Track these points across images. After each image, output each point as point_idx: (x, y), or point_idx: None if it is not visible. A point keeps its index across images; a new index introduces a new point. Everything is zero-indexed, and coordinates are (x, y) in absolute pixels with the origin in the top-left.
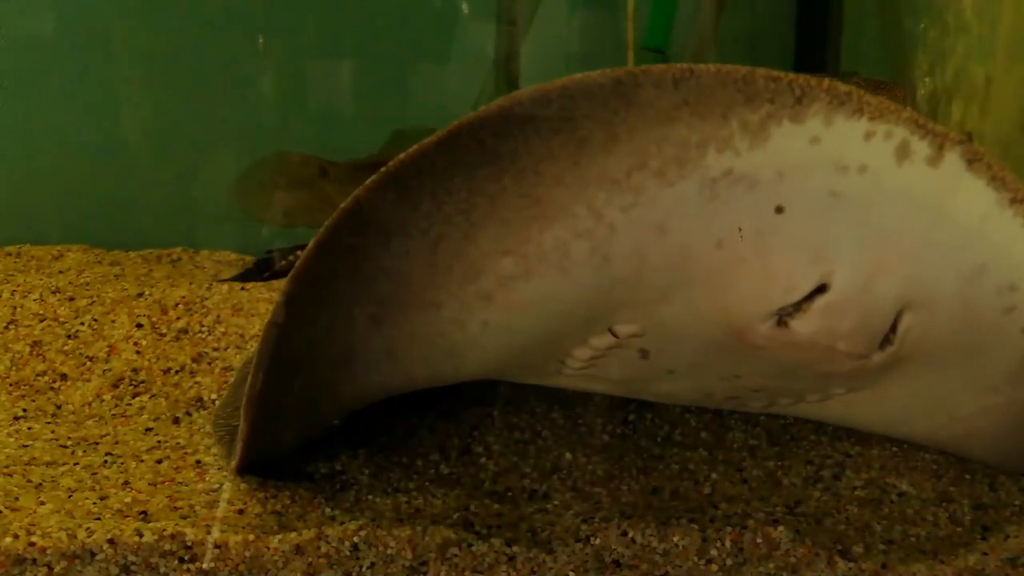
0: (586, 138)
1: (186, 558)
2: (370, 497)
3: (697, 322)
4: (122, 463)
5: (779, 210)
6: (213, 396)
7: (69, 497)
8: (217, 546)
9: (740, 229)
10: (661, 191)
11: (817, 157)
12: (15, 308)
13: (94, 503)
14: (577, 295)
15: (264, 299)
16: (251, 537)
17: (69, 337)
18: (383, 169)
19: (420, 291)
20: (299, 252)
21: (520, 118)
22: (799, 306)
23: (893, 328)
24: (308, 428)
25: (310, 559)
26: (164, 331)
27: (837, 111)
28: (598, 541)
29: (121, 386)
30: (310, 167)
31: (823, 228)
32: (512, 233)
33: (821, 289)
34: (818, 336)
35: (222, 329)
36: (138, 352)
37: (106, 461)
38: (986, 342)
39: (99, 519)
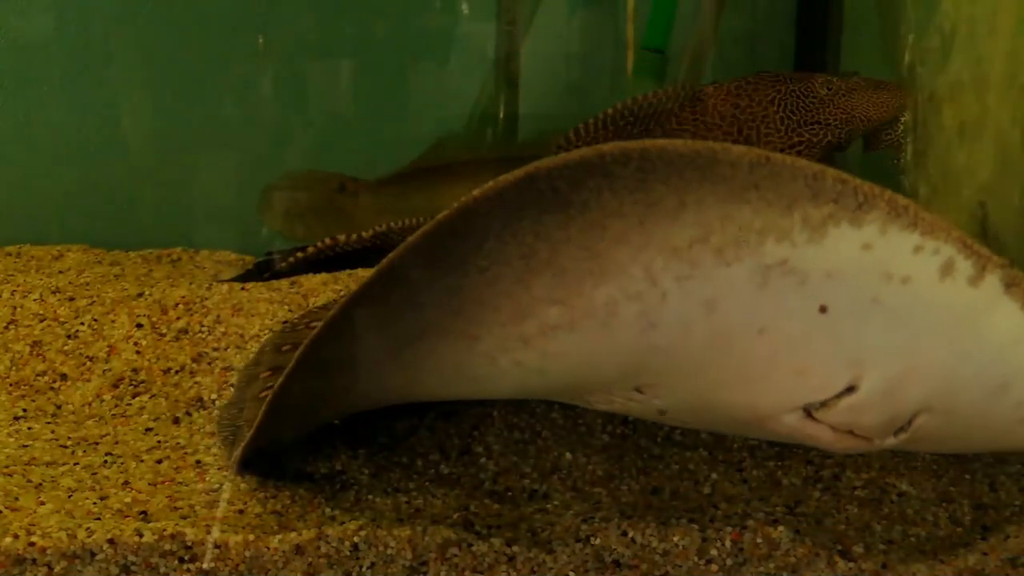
0: (656, 202)
1: (186, 558)
2: (370, 497)
3: (723, 401)
4: (122, 463)
5: (823, 309)
6: (213, 396)
7: (69, 497)
8: (217, 546)
9: (783, 321)
10: (717, 268)
11: (866, 263)
12: (15, 308)
13: (94, 503)
14: (614, 354)
15: (264, 299)
16: (251, 537)
17: (69, 337)
18: (457, 205)
19: (462, 323)
20: (299, 254)
21: (598, 171)
22: (825, 403)
23: (909, 421)
24: (307, 427)
25: (310, 559)
26: (164, 331)
27: (893, 222)
28: (598, 541)
29: (121, 386)
30: (331, 183)
31: (861, 332)
32: (566, 284)
33: (849, 389)
34: (839, 430)
35: (222, 329)
36: (138, 352)
37: (106, 461)
38: (995, 439)
39: (99, 519)
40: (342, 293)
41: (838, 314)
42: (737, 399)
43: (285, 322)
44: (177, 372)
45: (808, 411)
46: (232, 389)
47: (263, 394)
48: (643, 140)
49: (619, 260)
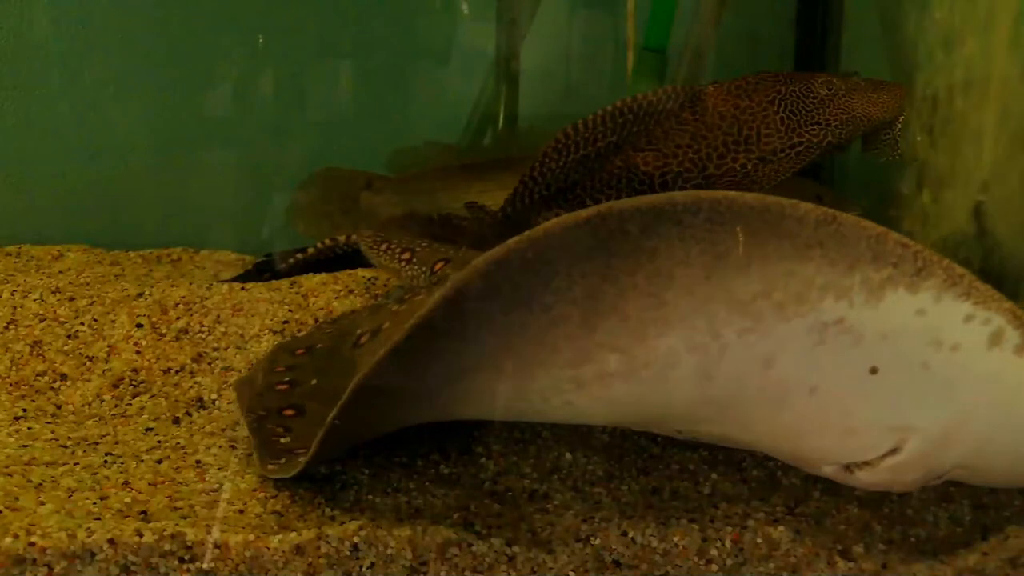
0: (723, 254)
1: (186, 558)
2: (370, 497)
3: (764, 448)
4: (122, 463)
5: (873, 371)
6: (213, 396)
7: (69, 497)
8: (217, 546)
9: (835, 380)
10: (777, 324)
11: (919, 328)
12: (15, 308)
13: (94, 503)
14: (666, 403)
15: (264, 299)
16: (251, 537)
17: (69, 337)
18: (525, 235)
19: (520, 362)
20: (299, 255)
21: (670, 218)
22: (868, 462)
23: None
24: (356, 440)
25: (310, 559)
26: (164, 331)
27: (948, 290)
28: (598, 541)
29: (121, 386)
30: (357, 181)
31: (908, 396)
32: (629, 331)
33: (892, 451)
34: (879, 486)
35: (222, 329)
36: (138, 352)
37: (106, 461)
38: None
39: (99, 519)
40: (341, 292)
41: (888, 377)
42: (779, 449)
43: (284, 321)
44: (177, 372)
45: (849, 467)
46: (232, 390)
47: (280, 387)
48: (714, 191)
49: (684, 311)
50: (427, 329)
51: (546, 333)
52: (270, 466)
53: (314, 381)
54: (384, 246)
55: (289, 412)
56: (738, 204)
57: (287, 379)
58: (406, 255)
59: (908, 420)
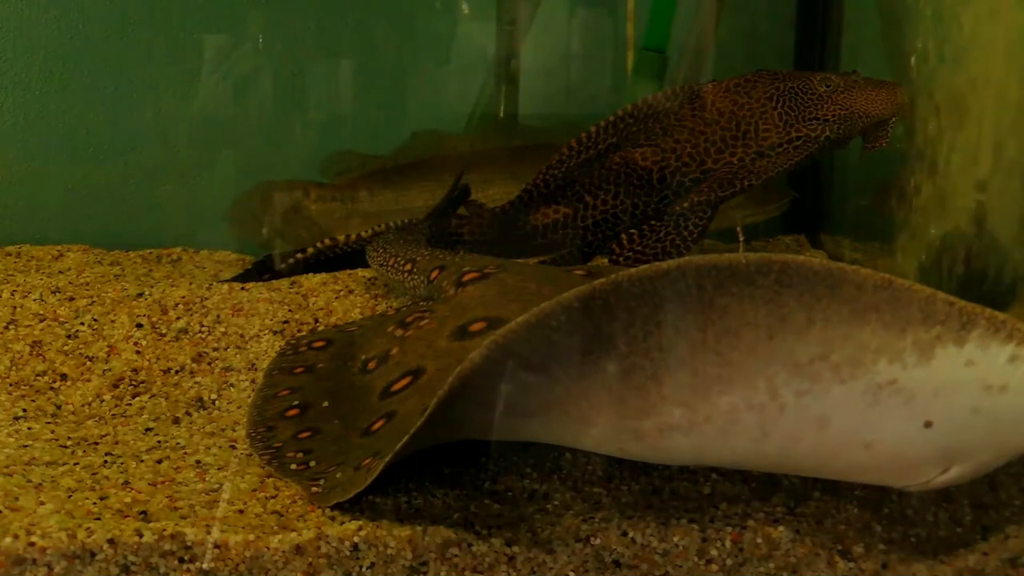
0: (787, 317)
1: (186, 558)
2: (370, 497)
3: None
4: (122, 463)
5: (927, 424)
6: (213, 396)
7: (69, 497)
8: (217, 546)
9: (889, 435)
10: (833, 385)
11: (969, 378)
12: (15, 308)
13: (94, 503)
14: (720, 459)
15: (264, 299)
16: (251, 537)
17: (69, 337)
18: (610, 279)
19: (587, 404)
20: (299, 254)
21: (742, 279)
22: (918, 485)
23: None
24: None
25: (310, 559)
26: (164, 331)
27: (992, 337)
28: (598, 541)
29: (121, 386)
30: (295, 192)
31: (960, 439)
32: (694, 386)
33: (942, 472)
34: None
35: (222, 329)
36: (138, 352)
37: (106, 461)
38: None
39: (99, 519)
40: (341, 292)
41: (942, 427)
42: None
43: (284, 321)
44: (177, 372)
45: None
46: (232, 390)
47: (290, 413)
48: (784, 255)
49: (747, 370)
50: (501, 355)
51: (618, 381)
52: (314, 489)
53: (325, 403)
54: (392, 262)
55: (305, 435)
56: (805, 268)
57: (296, 403)
58: (408, 266)
59: (958, 456)
